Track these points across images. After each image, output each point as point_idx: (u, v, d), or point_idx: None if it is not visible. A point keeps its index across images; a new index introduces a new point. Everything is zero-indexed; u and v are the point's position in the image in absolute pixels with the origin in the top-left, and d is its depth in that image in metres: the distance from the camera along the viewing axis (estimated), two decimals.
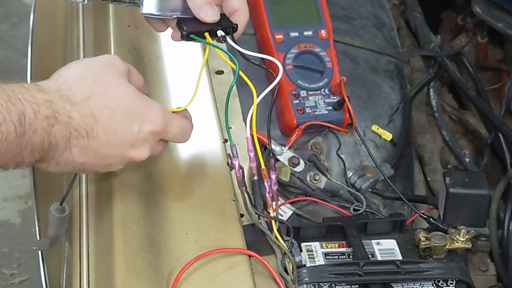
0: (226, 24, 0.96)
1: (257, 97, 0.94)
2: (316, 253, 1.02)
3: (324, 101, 1.24)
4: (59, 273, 1.14)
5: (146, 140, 0.93)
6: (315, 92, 1.24)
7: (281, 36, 1.27)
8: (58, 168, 0.90)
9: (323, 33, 1.29)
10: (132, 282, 0.89)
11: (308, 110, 1.22)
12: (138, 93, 0.92)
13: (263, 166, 0.95)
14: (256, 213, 0.96)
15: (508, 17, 1.44)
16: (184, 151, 1.07)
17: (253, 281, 0.92)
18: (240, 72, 0.94)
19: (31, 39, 1.68)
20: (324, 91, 1.25)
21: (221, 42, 0.97)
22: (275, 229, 0.96)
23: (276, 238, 0.95)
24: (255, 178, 0.96)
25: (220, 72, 1.22)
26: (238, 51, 0.96)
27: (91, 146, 0.89)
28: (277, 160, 1.17)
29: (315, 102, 1.24)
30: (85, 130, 0.88)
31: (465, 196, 1.04)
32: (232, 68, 0.99)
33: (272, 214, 0.96)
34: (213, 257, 0.93)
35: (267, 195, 0.95)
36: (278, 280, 0.93)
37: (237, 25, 0.98)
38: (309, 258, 1.00)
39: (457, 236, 1.02)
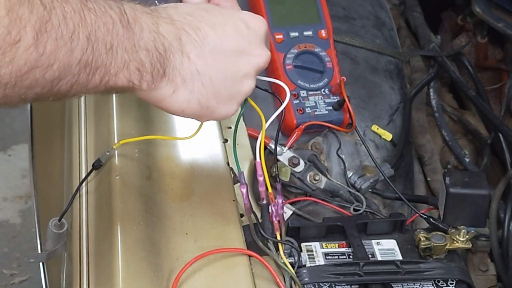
0: None
1: (265, 122, 0.93)
2: (316, 253, 1.02)
3: (324, 101, 1.24)
4: (59, 273, 1.14)
5: (259, 36, 0.88)
6: (315, 92, 1.24)
7: (281, 36, 1.27)
8: (186, 91, 0.83)
9: (323, 33, 1.29)
10: (132, 282, 0.89)
11: (308, 110, 1.23)
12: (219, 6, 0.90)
13: (270, 191, 0.94)
14: (264, 236, 0.96)
15: (508, 17, 1.44)
16: (184, 151, 1.07)
17: (253, 281, 0.92)
18: (249, 99, 0.94)
19: None
20: (324, 91, 1.25)
21: None
22: (281, 253, 0.96)
23: (284, 262, 0.95)
24: (264, 202, 0.96)
25: None
26: None
27: (207, 47, 0.83)
28: (287, 191, 1.18)
29: (315, 102, 1.24)
30: (191, 27, 0.83)
31: (465, 196, 1.04)
32: None
33: (279, 237, 0.96)
34: (213, 257, 0.93)
35: (274, 219, 0.95)
36: (278, 280, 0.93)
37: None
38: (309, 258, 1.00)
39: (457, 236, 1.02)
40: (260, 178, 0.94)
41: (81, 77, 0.75)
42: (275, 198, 0.95)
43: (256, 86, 0.92)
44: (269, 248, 0.96)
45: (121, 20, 0.77)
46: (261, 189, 0.94)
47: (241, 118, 1.12)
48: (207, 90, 0.84)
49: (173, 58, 0.82)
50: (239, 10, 0.95)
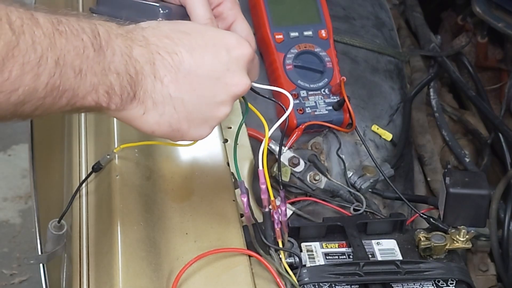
0: None
1: (269, 130, 0.93)
2: (316, 253, 1.02)
3: (324, 101, 1.24)
4: (59, 273, 1.14)
5: (239, 63, 0.86)
6: (315, 92, 1.24)
7: (281, 36, 1.27)
8: (157, 114, 0.82)
9: (323, 33, 1.29)
10: (132, 282, 0.89)
11: (308, 110, 1.23)
12: (209, 24, 0.89)
13: (272, 198, 0.94)
14: (267, 244, 0.96)
15: (508, 17, 1.44)
16: (184, 151, 1.07)
17: (253, 281, 0.92)
18: (251, 106, 0.93)
19: None
20: (324, 91, 1.25)
21: None
22: (284, 261, 0.95)
23: (286, 271, 0.95)
24: (266, 209, 0.95)
25: None
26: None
27: (182, 75, 0.82)
28: (287, 191, 1.18)
29: (315, 102, 1.24)
30: (167, 52, 0.81)
31: (465, 196, 1.04)
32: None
33: (281, 245, 0.96)
34: (213, 257, 0.93)
35: (276, 226, 0.95)
36: (278, 280, 0.93)
37: None
38: (309, 258, 1.00)
39: (457, 236, 1.02)
40: (263, 186, 0.93)
41: (47, 100, 0.75)
42: (275, 198, 0.95)
43: (259, 94, 0.93)
44: (270, 255, 0.96)
45: (93, 43, 0.77)
46: (264, 196, 0.94)
47: (241, 115, 1.12)
48: (179, 114, 0.83)
49: (144, 82, 0.81)
50: (242, 19, 0.95)
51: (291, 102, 0.94)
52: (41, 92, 0.73)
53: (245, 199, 0.94)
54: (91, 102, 0.78)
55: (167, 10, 0.92)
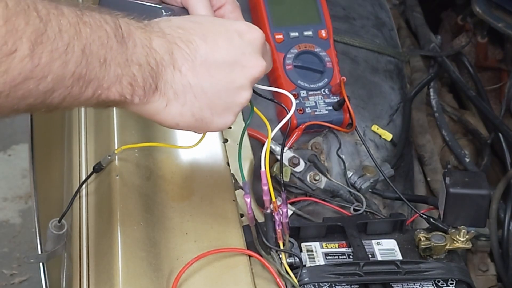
0: None
1: (271, 131, 0.93)
2: (316, 253, 1.02)
3: (324, 101, 1.24)
4: (59, 273, 1.14)
5: (254, 46, 0.86)
6: (315, 92, 1.24)
7: (281, 36, 1.27)
8: (179, 104, 0.82)
9: (323, 33, 1.29)
10: (132, 282, 0.89)
11: (308, 110, 1.23)
12: (215, 17, 0.90)
13: (273, 199, 0.94)
14: (268, 246, 0.96)
15: (508, 17, 1.44)
16: (184, 151, 1.07)
17: (253, 281, 0.92)
18: (256, 110, 0.93)
19: None
20: (324, 91, 1.25)
21: None
22: (284, 262, 0.95)
23: (286, 271, 0.95)
24: (268, 211, 0.95)
25: None
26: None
27: (199, 60, 0.83)
28: (287, 191, 1.18)
29: (315, 102, 1.24)
30: (182, 41, 0.82)
31: (465, 196, 1.04)
32: None
33: (282, 247, 0.96)
34: (213, 257, 0.93)
35: (277, 227, 0.95)
36: (278, 280, 0.93)
37: None
38: (309, 258, 1.00)
39: (457, 236, 1.02)
40: (265, 188, 0.93)
41: (74, 90, 0.75)
42: (276, 198, 0.95)
43: (260, 95, 0.93)
44: (272, 256, 0.96)
45: (115, 34, 0.78)
46: (266, 198, 0.94)
47: (241, 115, 1.12)
48: (201, 102, 0.84)
49: (164, 72, 0.82)
50: (242, 21, 0.95)
51: (293, 103, 0.94)
52: (69, 81, 0.74)
53: (248, 200, 0.94)
54: (116, 94, 0.79)
55: (169, 12, 0.92)
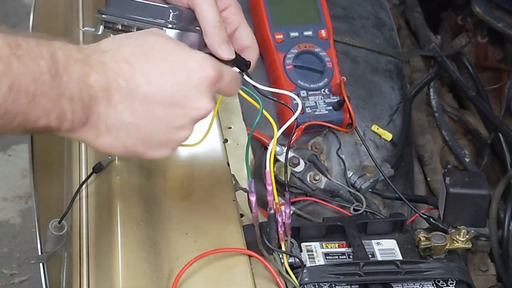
0: (240, 61, 0.96)
1: (278, 130, 0.93)
2: (316, 253, 1.02)
3: (324, 101, 1.24)
4: (59, 273, 1.14)
5: (201, 88, 0.83)
6: (315, 92, 1.24)
7: (281, 36, 1.27)
8: (110, 138, 0.81)
9: (323, 33, 1.29)
10: (132, 282, 0.89)
11: (308, 110, 1.23)
12: (176, 41, 0.86)
13: (276, 200, 0.94)
14: (270, 247, 0.95)
15: (508, 17, 1.44)
16: (184, 151, 1.07)
17: (253, 281, 0.92)
18: (264, 112, 0.94)
19: None
20: (324, 91, 1.25)
21: None
22: (286, 263, 0.95)
23: (287, 272, 0.95)
24: (272, 211, 0.95)
25: None
26: (255, 87, 0.95)
27: (138, 100, 0.80)
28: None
29: (315, 102, 1.24)
30: (124, 78, 0.80)
31: (465, 196, 1.04)
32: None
33: (284, 248, 0.96)
34: (213, 257, 0.93)
35: (279, 229, 0.95)
36: (278, 280, 0.93)
37: (250, 62, 0.97)
38: (309, 258, 1.00)
39: (457, 236, 1.02)
40: (269, 188, 0.93)
41: (4, 127, 0.75)
42: (279, 197, 0.95)
43: (266, 97, 0.94)
44: (274, 257, 0.96)
45: (50, 69, 0.76)
46: (269, 198, 0.94)
47: (241, 115, 1.13)
48: (134, 139, 0.82)
49: (98, 107, 0.80)
50: (246, 25, 0.96)
51: (299, 106, 0.94)
52: None
53: (253, 199, 0.94)
54: (42, 125, 0.78)
55: (177, 12, 0.92)
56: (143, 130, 0.82)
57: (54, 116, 0.77)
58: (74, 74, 0.78)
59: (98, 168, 1.04)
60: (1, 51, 0.73)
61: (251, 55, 0.97)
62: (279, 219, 0.95)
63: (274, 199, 0.94)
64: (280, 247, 0.95)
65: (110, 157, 1.04)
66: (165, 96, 0.81)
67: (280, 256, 0.96)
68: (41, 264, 1.32)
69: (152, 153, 0.85)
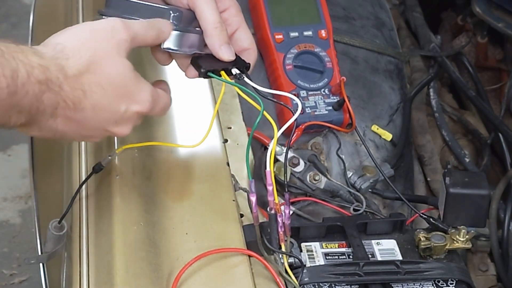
0: (240, 63, 0.96)
1: (278, 130, 0.93)
2: (316, 253, 1.02)
3: (324, 101, 1.24)
4: (59, 273, 1.14)
5: (131, 119, 0.92)
6: (315, 92, 1.24)
7: (281, 36, 1.27)
8: (39, 134, 0.89)
9: (323, 33, 1.29)
10: (132, 282, 0.89)
11: (308, 110, 1.23)
12: (132, 72, 0.90)
13: (276, 201, 0.94)
14: (271, 248, 0.95)
15: (508, 17, 1.44)
16: (184, 151, 1.07)
17: (253, 281, 0.92)
18: (265, 112, 0.94)
19: (31, 39, 1.68)
20: (324, 91, 1.25)
21: (238, 79, 0.97)
22: (286, 263, 0.95)
23: (287, 273, 0.94)
24: (272, 212, 0.95)
25: None
26: (255, 88, 0.96)
27: (76, 118, 0.88)
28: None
29: (315, 102, 1.24)
30: (73, 102, 0.86)
31: (465, 196, 1.04)
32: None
33: (284, 249, 0.96)
34: (213, 257, 0.93)
35: (280, 229, 0.95)
36: (278, 280, 0.93)
37: (249, 64, 0.98)
38: (309, 258, 1.00)
39: (457, 236, 1.02)
40: (270, 188, 0.93)
41: None
42: (279, 198, 0.95)
43: (266, 98, 0.95)
44: (274, 257, 0.96)
45: (8, 86, 0.80)
46: (270, 198, 0.94)
47: (241, 115, 1.13)
48: (55, 137, 0.91)
49: (40, 118, 0.86)
50: (245, 27, 0.99)
51: (299, 106, 0.94)
52: None
53: (254, 199, 0.94)
54: None
55: (177, 13, 0.92)
56: (68, 135, 0.91)
57: None
58: (30, 91, 0.82)
59: (98, 168, 1.04)
60: None
61: (250, 57, 0.98)
62: (279, 219, 0.95)
63: (274, 200, 0.94)
64: (280, 247, 0.95)
65: (110, 157, 1.04)
66: (99, 122, 0.90)
67: (280, 256, 0.96)
68: (41, 264, 1.32)
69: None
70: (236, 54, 0.96)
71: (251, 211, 0.95)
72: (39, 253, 1.32)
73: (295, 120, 0.94)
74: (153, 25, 0.92)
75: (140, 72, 0.95)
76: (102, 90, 0.88)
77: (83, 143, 1.13)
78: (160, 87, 0.96)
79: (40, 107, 0.84)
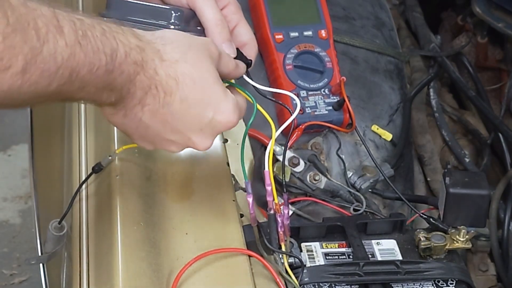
0: (242, 59, 0.96)
1: (276, 131, 0.93)
2: (316, 253, 1.02)
3: (324, 101, 1.24)
4: (59, 273, 1.14)
5: (215, 129, 0.90)
6: (315, 92, 1.24)
7: (281, 36, 1.27)
8: (122, 121, 0.88)
9: (323, 33, 1.29)
10: (132, 282, 0.89)
11: (308, 110, 1.23)
12: (220, 82, 0.90)
13: (276, 201, 0.94)
14: (270, 248, 0.95)
15: (508, 17, 1.44)
16: (184, 151, 1.07)
17: (253, 281, 0.92)
18: (264, 112, 0.94)
19: None
20: (324, 91, 1.25)
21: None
22: (286, 264, 0.95)
23: (288, 273, 0.94)
24: (272, 212, 0.95)
25: None
26: (254, 86, 0.96)
27: (163, 112, 0.87)
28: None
29: (315, 102, 1.24)
30: (164, 91, 0.86)
31: (465, 196, 1.04)
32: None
33: (284, 248, 0.96)
34: (213, 257, 0.93)
35: (279, 230, 0.95)
36: (278, 280, 0.93)
37: (251, 60, 0.98)
38: (309, 258, 1.00)
39: (457, 236, 1.02)
40: (268, 188, 0.93)
41: (48, 100, 0.80)
42: (278, 198, 0.95)
43: (265, 97, 0.96)
44: (274, 258, 0.96)
45: (107, 64, 0.80)
46: (269, 199, 0.94)
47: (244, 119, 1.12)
48: (136, 131, 0.90)
49: (128, 101, 0.86)
50: (245, 23, 0.99)
51: (298, 105, 0.94)
52: (46, 95, 0.77)
53: (250, 199, 0.94)
54: (77, 98, 0.83)
55: (179, 13, 0.92)
56: (148, 131, 0.89)
57: (91, 98, 0.83)
58: (125, 72, 0.82)
59: (98, 169, 1.04)
60: (67, 38, 0.76)
61: (250, 52, 0.99)
62: (279, 219, 0.95)
63: (273, 200, 0.94)
64: (280, 247, 0.95)
65: (110, 157, 1.04)
66: (184, 122, 0.88)
67: (280, 256, 0.96)
68: (41, 264, 1.33)
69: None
70: (238, 50, 0.96)
71: (249, 212, 0.95)
72: (39, 254, 1.32)
73: (293, 120, 0.94)
74: (231, 56, 0.94)
75: None
76: (193, 85, 0.87)
77: (83, 142, 1.13)
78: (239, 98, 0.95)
79: (131, 89, 0.84)
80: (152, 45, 0.85)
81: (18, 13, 0.71)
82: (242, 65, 0.95)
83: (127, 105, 0.86)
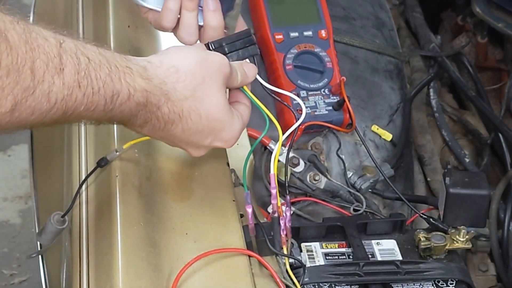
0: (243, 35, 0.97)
1: (283, 134, 0.94)
2: (316, 253, 1.02)
3: (324, 101, 1.24)
4: (59, 273, 1.14)
5: (209, 149, 0.95)
6: (315, 92, 1.24)
7: (281, 36, 1.27)
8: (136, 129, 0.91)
9: (323, 33, 1.29)
10: (132, 282, 0.89)
11: (308, 110, 1.22)
12: (228, 108, 0.92)
13: (278, 204, 0.94)
14: (273, 251, 0.96)
15: (508, 17, 1.44)
16: (184, 151, 1.07)
17: (253, 282, 0.92)
18: (270, 115, 0.94)
19: None
20: (324, 91, 1.25)
21: None
22: (288, 267, 0.95)
23: (288, 274, 0.95)
24: (275, 215, 0.95)
25: None
26: (262, 84, 0.96)
27: (162, 133, 0.90)
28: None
29: (315, 102, 1.24)
30: (165, 122, 0.88)
31: (465, 196, 1.04)
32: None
33: (286, 251, 0.96)
34: (213, 257, 0.93)
35: (281, 233, 0.95)
36: (278, 280, 0.93)
37: (259, 50, 0.98)
38: (309, 258, 1.00)
39: (457, 236, 1.02)
40: (273, 191, 0.93)
41: (43, 127, 0.79)
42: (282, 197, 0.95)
43: (272, 96, 0.97)
44: (277, 260, 0.96)
45: (105, 104, 0.80)
46: (273, 201, 0.94)
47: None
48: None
49: (127, 125, 0.88)
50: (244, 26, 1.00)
51: (304, 110, 0.95)
52: (39, 125, 0.77)
53: (250, 210, 0.94)
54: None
55: None
56: (150, 135, 0.93)
57: (89, 122, 0.84)
58: (126, 110, 0.84)
59: (104, 164, 1.04)
60: (66, 77, 0.75)
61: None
62: (281, 222, 0.95)
63: (277, 203, 0.94)
64: (281, 249, 0.95)
65: (117, 153, 1.03)
66: (183, 141, 0.92)
67: (283, 259, 0.95)
68: (41, 264, 1.33)
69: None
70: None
71: (248, 222, 0.96)
72: (39, 249, 1.32)
73: (293, 120, 0.94)
74: (240, 66, 0.95)
75: None
76: (199, 120, 0.89)
77: (83, 141, 1.12)
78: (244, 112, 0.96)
79: (132, 119, 0.86)
80: (160, 87, 0.86)
81: (15, 53, 0.71)
82: (251, 73, 0.95)
83: (126, 125, 0.89)
